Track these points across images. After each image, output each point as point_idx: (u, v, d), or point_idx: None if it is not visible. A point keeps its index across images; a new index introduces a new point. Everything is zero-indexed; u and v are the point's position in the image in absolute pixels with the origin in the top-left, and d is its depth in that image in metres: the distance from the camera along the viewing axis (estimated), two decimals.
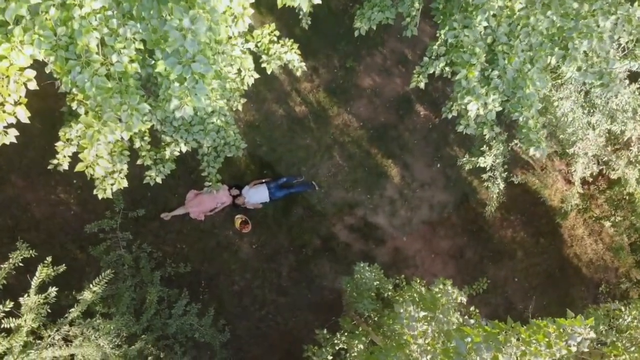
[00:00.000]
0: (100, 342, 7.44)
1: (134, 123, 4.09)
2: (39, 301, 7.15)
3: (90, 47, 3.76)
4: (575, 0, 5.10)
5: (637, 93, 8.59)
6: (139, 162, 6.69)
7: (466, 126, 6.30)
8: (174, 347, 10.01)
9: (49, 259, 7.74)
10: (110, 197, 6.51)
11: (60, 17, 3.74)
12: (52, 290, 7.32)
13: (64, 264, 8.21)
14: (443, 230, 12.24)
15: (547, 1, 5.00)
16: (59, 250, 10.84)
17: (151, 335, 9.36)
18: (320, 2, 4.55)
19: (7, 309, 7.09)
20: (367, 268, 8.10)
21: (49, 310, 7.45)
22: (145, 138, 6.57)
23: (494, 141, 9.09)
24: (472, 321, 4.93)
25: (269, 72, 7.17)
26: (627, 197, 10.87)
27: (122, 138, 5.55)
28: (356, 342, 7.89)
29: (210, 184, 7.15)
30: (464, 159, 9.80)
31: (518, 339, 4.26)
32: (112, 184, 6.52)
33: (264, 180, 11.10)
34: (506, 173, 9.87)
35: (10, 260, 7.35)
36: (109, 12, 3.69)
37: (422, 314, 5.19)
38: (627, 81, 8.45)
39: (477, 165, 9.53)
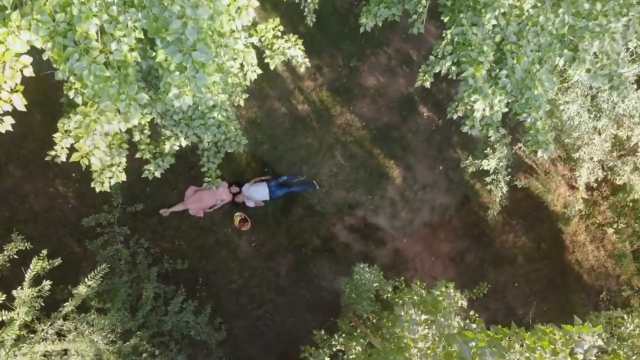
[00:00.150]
0: (94, 337, 7.33)
1: (132, 114, 3.98)
2: (33, 294, 7.03)
3: (89, 34, 3.65)
4: (587, 1, 5.00)
5: None
6: (137, 155, 6.58)
7: (471, 127, 6.20)
8: (169, 344, 9.90)
9: (45, 251, 7.64)
10: (109, 190, 6.40)
11: (59, 3, 3.64)
12: (46, 284, 7.20)
13: (60, 258, 8.11)
14: (444, 233, 12.12)
15: (558, 0, 4.89)
16: (55, 244, 10.74)
17: (146, 331, 9.26)
18: None
19: (0, 302, 6.98)
20: (366, 269, 7.99)
21: (42, 304, 7.34)
22: (145, 131, 6.46)
23: (498, 144, 8.99)
24: (474, 326, 4.82)
25: (272, 67, 7.06)
26: (631, 204, 10.77)
27: (120, 130, 5.44)
28: (354, 344, 7.79)
29: (210, 179, 7.04)
30: (467, 161, 9.69)
31: (522, 345, 4.15)
32: (110, 178, 6.41)
33: (264, 178, 10.99)
34: (509, 176, 9.76)
35: (5, 252, 7.24)
36: None
37: (423, 317, 5.08)
38: (634, 86, 8.34)
39: (481, 168, 9.43)
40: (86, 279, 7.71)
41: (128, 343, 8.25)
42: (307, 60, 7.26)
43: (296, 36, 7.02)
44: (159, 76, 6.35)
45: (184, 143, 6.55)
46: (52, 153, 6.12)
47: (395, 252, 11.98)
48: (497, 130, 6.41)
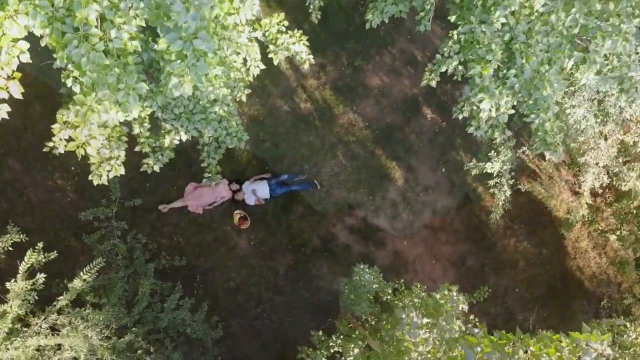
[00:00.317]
0: (88, 332, 7.22)
1: (130, 103, 3.87)
2: (27, 287, 6.92)
3: (89, 20, 3.55)
4: (600, 1, 4.89)
5: None
6: (137, 148, 6.47)
7: (477, 128, 6.09)
8: (165, 341, 9.80)
9: (40, 244, 7.53)
10: (106, 183, 6.30)
11: None
12: (40, 277, 7.09)
13: (57, 252, 8.01)
14: (445, 236, 12.02)
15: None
16: (52, 237, 10.64)
17: (142, 328, 9.15)
18: None
19: None
20: (366, 270, 7.87)
21: (37, 298, 7.23)
22: (145, 124, 6.35)
23: (502, 147, 8.88)
24: (476, 330, 4.71)
25: (275, 62, 6.95)
26: (635, 211, 10.65)
27: (118, 121, 5.34)
28: (352, 345, 7.67)
29: (210, 175, 6.93)
30: (471, 163, 9.58)
31: (526, 352, 4.03)
32: (108, 171, 6.31)
33: (264, 177, 10.89)
34: (513, 180, 9.65)
35: (0, 244, 7.14)
36: None
37: (425, 320, 4.96)
38: None
39: (484, 171, 9.32)
40: (81, 273, 7.60)
41: (123, 339, 8.15)
42: (311, 56, 7.16)
43: (301, 32, 6.92)
44: (160, 68, 6.26)
45: (184, 137, 6.44)
46: (50, 144, 6.02)
47: (395, 254, 11.87)
48: (503, 132, 6.30)
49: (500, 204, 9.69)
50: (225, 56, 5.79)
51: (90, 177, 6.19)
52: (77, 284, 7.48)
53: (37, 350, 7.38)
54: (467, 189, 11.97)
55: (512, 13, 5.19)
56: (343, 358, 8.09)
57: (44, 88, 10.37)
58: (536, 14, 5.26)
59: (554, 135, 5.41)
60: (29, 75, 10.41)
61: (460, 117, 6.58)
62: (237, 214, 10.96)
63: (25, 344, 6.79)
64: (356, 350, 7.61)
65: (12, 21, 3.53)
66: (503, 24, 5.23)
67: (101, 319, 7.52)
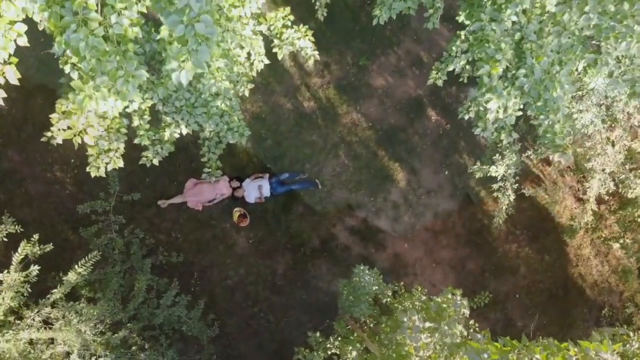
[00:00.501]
0: (81, 327, 7.09)
1: (130, 91, 3.75)
2: (20, 279, 6.80)
3: (88, 4, 3.44)
4: (613, 3, 4.77)
5: None
6: (136, 141, 6.36)
7: (483, 129, 5.96)
8: (160, 338, 9.68)
9: (36, 236, 7.42)
10: (104, 175, 6.18)
11: None
12: (34, 269, 6.97)
13: (54, 245, 7.90)
14: (446, 240, 11.89)
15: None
16: (50, 230, 10.54)
17: (137, 324, 9.04)
18: None
19: None
20: (366, 271, 7.75)
21: (29, 290, 7.11)
22: (145, 117, 6.24)
23: (507, 150, 8.76)
24: (478, 336, 4.58)
25: (280, 57, 6.84)
26: (639, 219, 10.51)
27: (118, 114, 5.23)
28: (350, 348, 7.54)
29: (210, 170, 6.82)
30: (475, 166, 9.46)
31: None
32: (107, 163, 6.19)
33: (262, 175, 10.77)
34: (517, 185, 9.53)
35: None
36: None
37: (427, 324, 4.83)
38: None
39: (488, 174, 9.20)
40: (76, 266, 7.48)
41: (117, 335, 8.02)
42: (316, 52, 7.05)
43: (306, 27, 6.81)
44: (162, 60, 6.15)
45: (184, 131, 6.32)
46: (48, 134, 5.90)
47: (395, 256, 11.75)
48: (510, 135, 6.18)
49: (504, 208, 9.57)
50: (228, 49, 5.67)
51: (88, 169, 6.08)
52: (71, 277, 7.36)
53: (30, 343, 7.27)
54: (470, 192, 11.85)
55: (524, 12, 5.08)
56: None
57: (45, 79, 10.28)
58: (548, 13, 5.15)
59: (564, 137, 5.29)
60: (32, 66, 10.33)
61: (467, 117, 6.45)
62: (237, 212, 10.85)
63: (17, 337, 6.67)
64: (354, 353, 7.48)
65: (9, 3, 3.42)
66: (514, 23, 5.12)
67: (95, 313, 7.40)
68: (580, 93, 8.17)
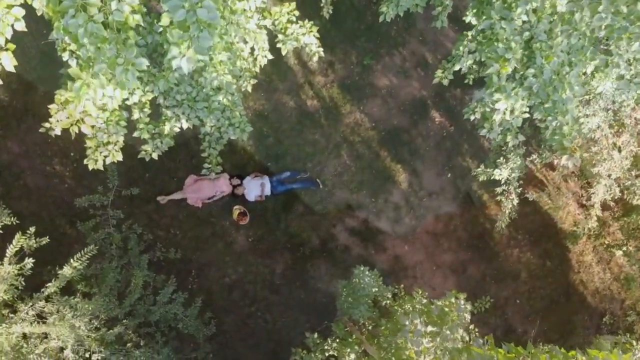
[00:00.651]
0: (75, 322, 6.98)
1: (129, 80, 3.65)
2: (14, 271, 6.69)
3: None
4: (625, 3, 4.67)
5: None
6: (135, 134, 6.25)
7: (489, 130, 5.86)
8: (156, 335, 9.57)
9: (32, 229, 7.31)
10: (102, 168, 6.07)
11: None
12: (28, 262, 6.86)
13: (52, 238, 7.80)
14: (447, 243, 11.78)
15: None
16: (48, 223, 10.44)
17: (132, 321, 8.92)
18: None
19: None
20: (367, 273, 7.63)
21: (24, 283, 7.00)
22: (145, 110, 6.13)
23: (512, 154, 8.65)
24: (481, 341, 4.47)
25: (283, 52, 6.73)
26: None
27: (118, 106, 5.12)
28: (348, 350, 7.43)
29: (210, 165, 6.71)
30: (479, 169, 9.35)
31: None
32: (105, 156, 6.08)
33: (261, 174, 10.67)
34: (520, 189, 9.42)
35: None
36: None
37: (429, 329, 4.71)
38: None
39: (492, 178, 9.10)
40: (72, 260, 7.37)
41: (112, 331, 7.91)
42: (321, 49, 6.94)
43: (311, 22, 6.70)
44: (164, 53, 6.04)
45: (185, 125, 6.21)
46: (47, 125, 5.79)
47: (395, 259, 11.65)
48: (516, 137, 6.07)
49: (507, 212, 9.46)
50: (232, 42, 5.57)
51: (85, 161, 5.97)
52: (67, 271, 7.25)
53: (24, 338, 7.16)
54: (473, 195, 11.74)
55: (534, 11, 4.98)
56: None
57: (47, 71, 10.18)
58: (558, 13, 5.04)
59: (572, 139, 5.19)
60: (33, 57, 10.23)
61: (472, 118, 6.35)
62: (237, 210, 10.74)
63: (9, 331, 6.57)
64: (352, 355, 7.36)
65: None
66: (524, 22, 5.01)
67: (90, 308, 7.29)
68: (587, 97, 8.06)
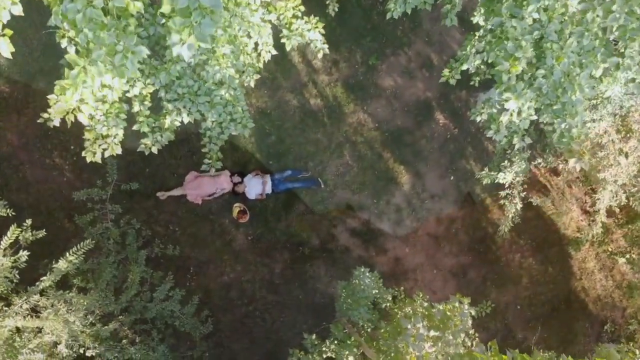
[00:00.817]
0: (70, 317, 6.87)
1: (128, 68, 3.54)
2: (8, 264, 6.58)
3: None
4: (639, 5, 4.55)
5: None
6: (135, 127, 6.14)
7: (496, 132, 5.74)
8: (152, 332, 9.46)
9: (29, 221, 7.21)
10: (99, 161, 5.97)
11: None
12: (22, 254, 6.75)
13: (49, 232, 7.70)
14: (448, 246, 11.66)
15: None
16: (46, 216, 10.36)
17: (128, 317, 8.82)
18: None
19: None
20: (367, 274, 7.51)
21: (18, 276, 6.89)
22: (146, 103, 6.02)
23: (516, 157, 8.54)
24: (484, 347, 4.35)
25: (288, 48, 6.63)
26: None
27: (118, 98, 5.02)
28: (346, 352, 7.31)
29: (210, 161, 6.60)
30: (483, 172, 9.24)
31: None
32: (104, 149, 5.98)
33: (260, 172, 10.56)
34: (524, 193, 9.30)
35: None
36: None
37: (432, 333, 4.60)
38: None
39: (495, 181, 8.98)
40: (67, 254, 7.26)
41: (107, 327, 7.80)
42: (326, 46, 6.84)
43: (317, 18, 6.60)
44: (167, 46, 5.94)
45: (186, 119, 6.11)
46: (45, 116, 5.68)
47: (395, 261, 11.53)
48: (523, 139, 5.96)
49: (510, 216, 9.34)
50: (235, 35, 5.47)
51: (83, 154, 5.87)
52: (62, 265, 7.14)
53: (17, 331, 7.05)
54: (475, 199, 11.62)
55: (545, 10, 4.86)
56: None
57: (49, 62, 10.10)
58: (569, 14, 4.93)
59: (581, 142, 5.07)
60: (35, 49, 10.14)
61: (479, 119, 6.23)
62: (237, 207, 10.64)
63: (2, 324, 6.46)
64: (350, 358, 7.25)
65: None
66: (534, 20, 4.91)
67: (85, 303, 7.18)
68: (594, 102, 7.95)
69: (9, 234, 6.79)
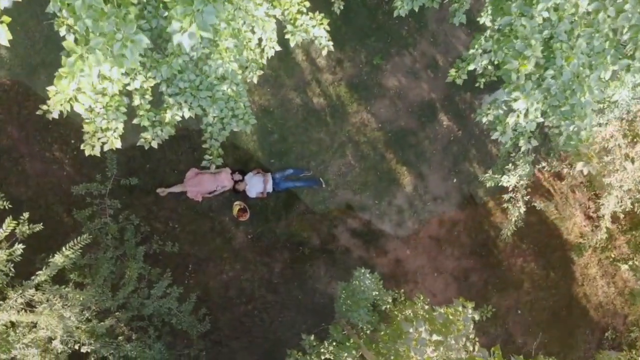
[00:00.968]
0: (65, 312, 6.78)
1: (127, 58, 3.44)
2: (3, 257, 6.49)
3: None
4: None
5: None
6: (135, 121, 6.05)
7: (502, 133, 5.64)
8: (148, 330, 9.36)
9: (26, 215, 7.12)
10: (98, 155, 5.87)
11: None
12: (18, 247, 6.66)
13: (48, 226, 7.61)
14: (450, 249, 11.55)
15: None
16: (44, 210, 10.27)
17: (125, 313, 8.72)
18: None
19: None
20: (367, 275, 7.41)
21: (13, 270, 6.80)
22: (147, 96, 5.92)
23: (520, 160, 8.44)
24: (486, 352, 4.25)
25: (292, 44, 6.53)
26: None
27: (118, 91, 4.93)
28: (345, 354, 7.22)
29: (211, 157, 6.50)
30: (487, 175, 9.14)
31: None
32: (104, 143, 5.89)
33: (263, 172, 10.47)
34: (528, 197, 9.20)
35: None
36: None
37: (434, 337, 4.50)
38: None
39: (499, 184, 8.88)
40: (64, 249, 7.17)
41: (103, 323, 7.70)
42: (330, 43, 6.74)
43: (322, 15, 6.50)
44: (169, 39, 5.85)
45: (187, 114, 6.01)
46: (44, 107, 5.59)
47: (396, 263, 11.42)
48: (529, 141, 5.86)
49: (513, 220, 9.24)
50: (239, 29, 5.38)
51: (82, 147, 5.77)
52: (58, 259, 7.04)
53: (11, 326, 6.96)
54: (478, 202, 11.52)
55: (555, 9, 4.77)
56: None
57: (51, 55, 10.02)
58: (580, 14, 4.83)
59: (590, 145, 4.98)
60: (38, 41, 10.06)
61: (484, 120, 6.13)
62: (237, 205, 10.55)
63: None
64: None
65: None
66: (544, 19, 4.81)
67: (81, 299, 7.08)
68: (601, 105, 7.85)
69: (4, 226, 6.70)
